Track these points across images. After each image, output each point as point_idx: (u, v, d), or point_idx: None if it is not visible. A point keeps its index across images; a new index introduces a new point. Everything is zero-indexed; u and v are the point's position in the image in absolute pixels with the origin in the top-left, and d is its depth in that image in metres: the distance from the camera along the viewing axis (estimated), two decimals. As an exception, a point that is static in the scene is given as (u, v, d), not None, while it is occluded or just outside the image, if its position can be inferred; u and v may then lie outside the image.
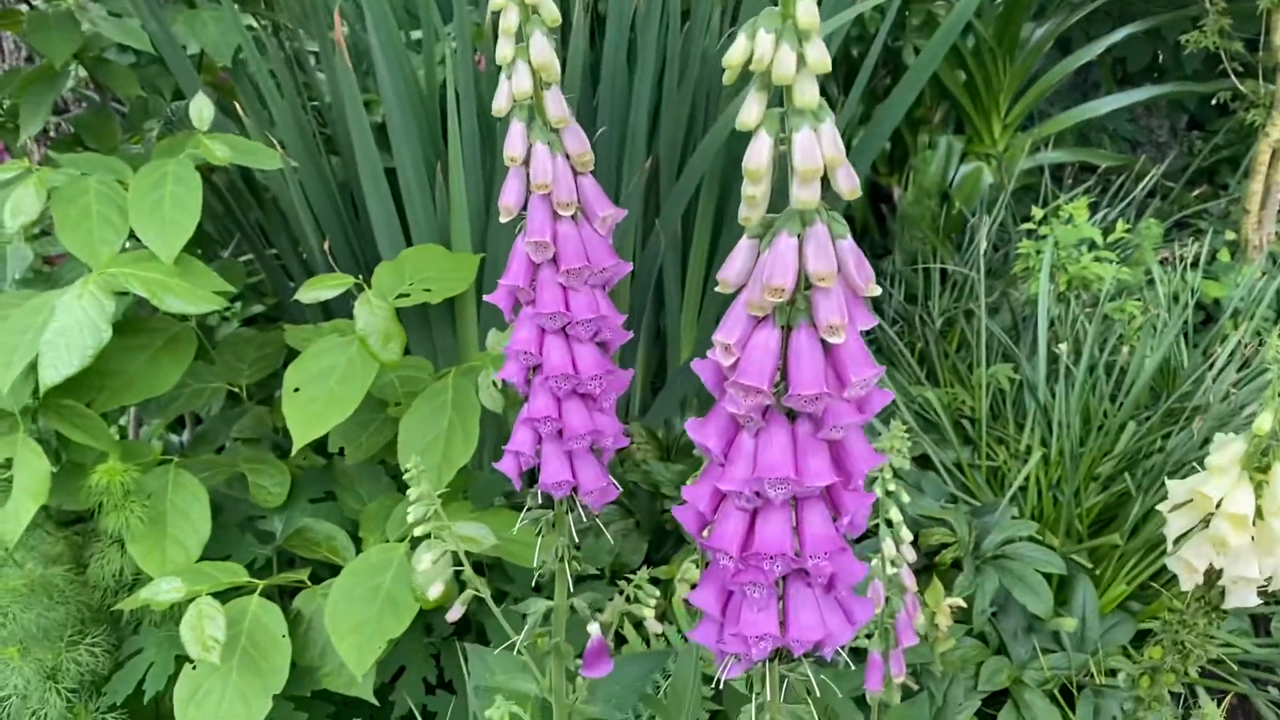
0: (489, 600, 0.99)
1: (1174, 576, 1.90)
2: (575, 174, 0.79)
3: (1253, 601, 1.03)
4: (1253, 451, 0.98)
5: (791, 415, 0.67)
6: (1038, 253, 2.42)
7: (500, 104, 0.76)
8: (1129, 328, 2.33)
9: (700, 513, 0.73)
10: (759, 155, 0.59)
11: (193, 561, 1.50)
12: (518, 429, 0.87)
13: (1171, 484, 1.05)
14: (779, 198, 0.60)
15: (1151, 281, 2.44)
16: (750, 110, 0.58)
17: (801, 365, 0.63)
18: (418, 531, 0.93)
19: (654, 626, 1.02)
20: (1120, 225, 2.49)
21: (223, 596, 1.43)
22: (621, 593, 1.14)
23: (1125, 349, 2.08)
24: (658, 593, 1.03)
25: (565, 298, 0.81)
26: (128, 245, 1.50)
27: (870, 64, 1.98)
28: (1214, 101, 3.65)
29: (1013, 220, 2.93)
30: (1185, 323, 2.29)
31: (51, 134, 2.65)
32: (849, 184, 0.59)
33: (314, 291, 1.49)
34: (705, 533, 0.73)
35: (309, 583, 1.55)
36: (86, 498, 1.47)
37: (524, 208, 0.80)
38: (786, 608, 0.71)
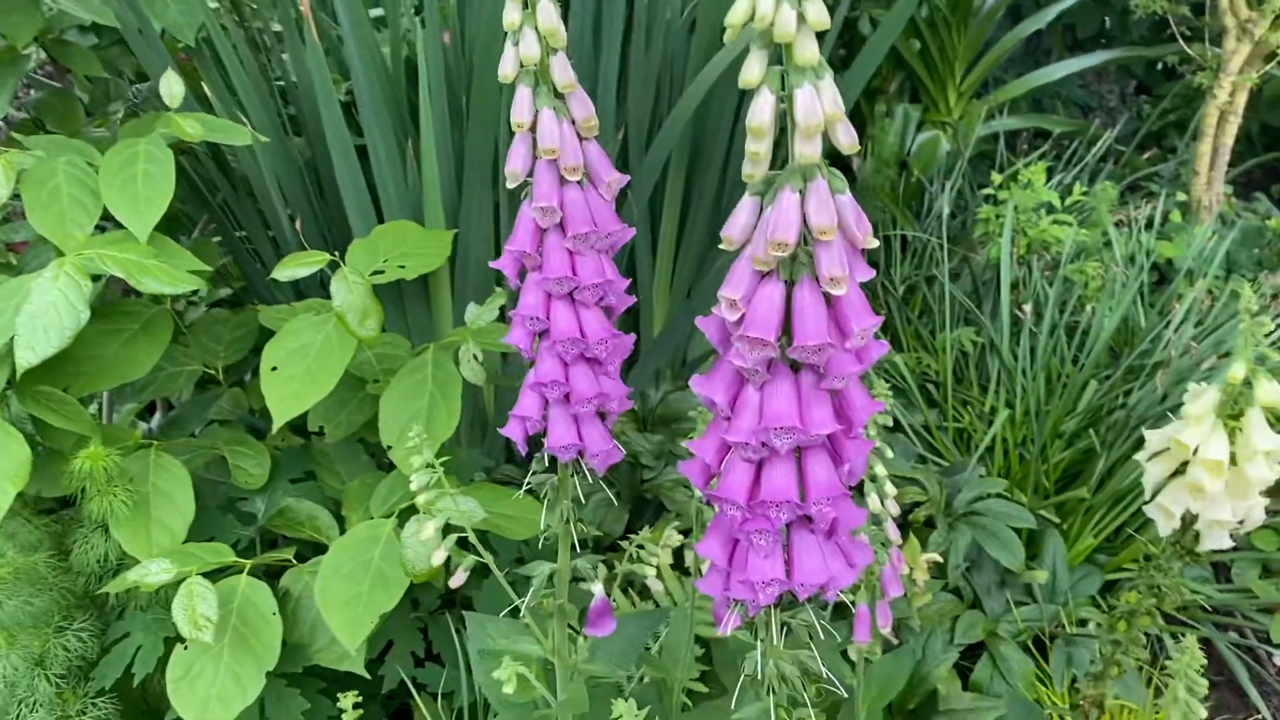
0: (493, 566, 1.00)
1: (1141, 527, 1.96)
2: (580, 139, 0.81)
3: (1226, 544, 1.08)
4: (1226, 400, 1.02)
5: (795, 367, 0.69)
6: (997, 217, 2.46)
7: (506, 70, 0.78)
8: (1088, 289, 2.39)
9: (706, 466, 0.75)
10: (762, 112, 0.61)
11: (178, 544, 1.50)
12: (524, 394, 0.88)
13: (1149, 433, 1.09)
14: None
15: (1109, 243, 2.50)
16: (752, 68, 0.60)
17: (805, 317, 0.65)
18: (420, 500, 0.94)
19: (655, 585, 1.04)
20: (1078, 188, 2.53)
21: (210, 577, 1.43)
22: (604, 561, 1.17)
23: (1088, 308, 2.12)
24: (659, 553, 1.05)
25: (572, 262, 0.82)
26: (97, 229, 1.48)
27: (830, 37, 2.01)
28: (1159, 66, 3.73)
29: (970, 187, 2.98)
30: (1141, 283, 2.35)
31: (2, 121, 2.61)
32: (849, 139, 0.62)
33: (290, 269, 1.49)
34: (711, 485, 0.75)
35: (294, 562, 1.55)
36: (69, 483, 1.46)
37: (530, 173, 0.81)
38: (790, 554, 0.74)
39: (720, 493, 0.72)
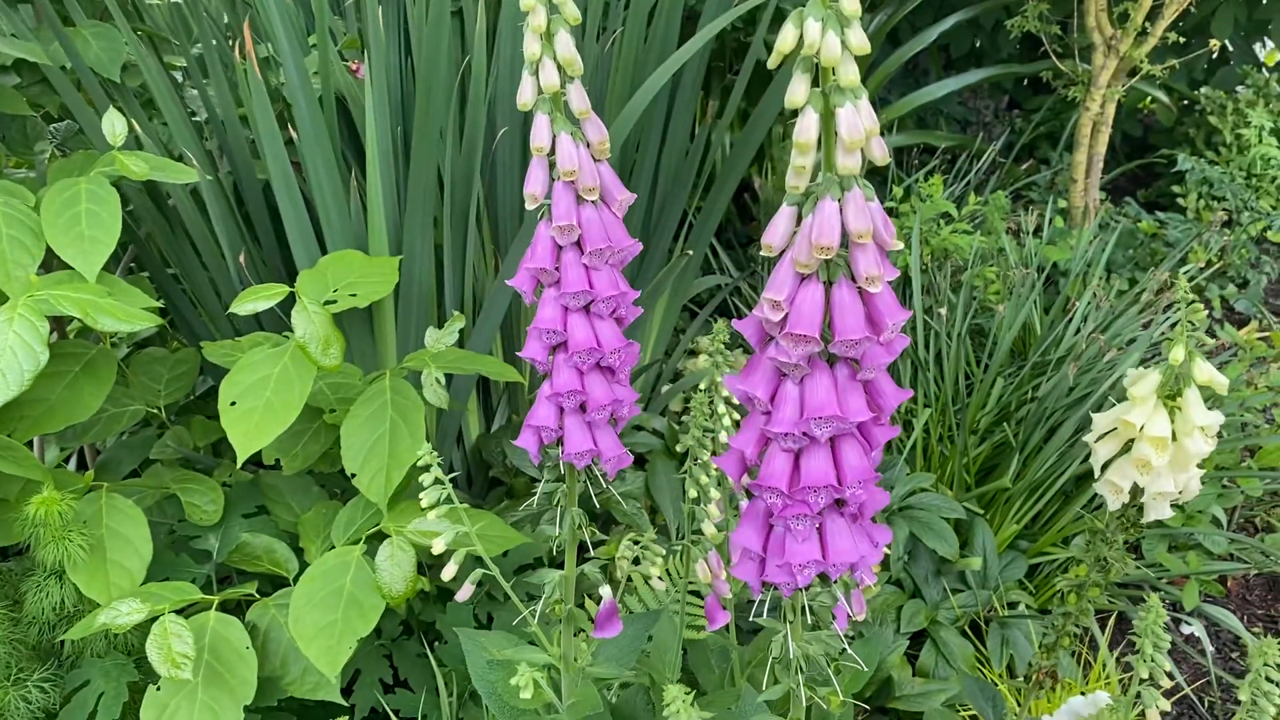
0: (499, 576, 1.03)
1: (1058, 512, 2.09)
2: (595, 160, 0.85)
3: (1168, 514, 1.18)
4: (1166, 380, 1.12)
5: (830, 361, 0.75)
6: (901, 229, 2.59)
7: (525, 98, 0.82)
8: (986, 292, 2.53)
9: (743, 458, 0.80)
10: (809, 129, 0.67)
11: (137, 585, 1.48)
12: (539, 405, 0.92)
13: (1096, 416, 1.18)
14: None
15: (1003, 249, 2.65)
16: (797, 90, 0.66)
17: (845, 314, 0.71)
18: (433, 516, 0.97)
19: (659, 584, 1.08)
20: (973, 199, 2.68)
21: (178, 615, 1.41)
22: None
23: (1000, 308, 2.25)
24: (664, 551, 1.09)
25: (589, 277, 0.87)
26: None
27: (746, 74, 2.12)
28: (1025, 82, 3.96)
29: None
30: (1033, 286, 2.50)
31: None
32: (881, 151, 0.68)
33: (249, 303, 1.49)
34: (747, 477, 0.81)
35: (258, 596, 1.55)
36: (20, 530, 1.43)
37: (548, 195, 0.86)
38: (823, 537, 0.79)
39: (763, 481, 0.77)
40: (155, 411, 1.75)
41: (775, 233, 0.72)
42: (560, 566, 1.05)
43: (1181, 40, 2.94)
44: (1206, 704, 1.98)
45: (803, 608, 0.84)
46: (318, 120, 1.67)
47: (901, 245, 0.70)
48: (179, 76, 2.17)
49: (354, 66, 2.16)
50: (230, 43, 2.12)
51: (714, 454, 1.12)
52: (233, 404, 1.48)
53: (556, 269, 0.87)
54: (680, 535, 1.93)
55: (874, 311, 0.73)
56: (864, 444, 0.78)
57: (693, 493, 1.08)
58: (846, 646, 0.85)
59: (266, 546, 1.64)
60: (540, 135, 0.83)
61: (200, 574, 1.65)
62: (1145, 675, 1.05)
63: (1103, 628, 2.03)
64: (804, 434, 0.75)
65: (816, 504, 0.76)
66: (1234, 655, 2.12)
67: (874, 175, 3.34)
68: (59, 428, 1.55)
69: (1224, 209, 3.12)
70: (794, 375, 0.75)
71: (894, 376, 2.45)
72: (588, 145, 0.85)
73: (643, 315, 2.16)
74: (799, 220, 0.71)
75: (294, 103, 1.64)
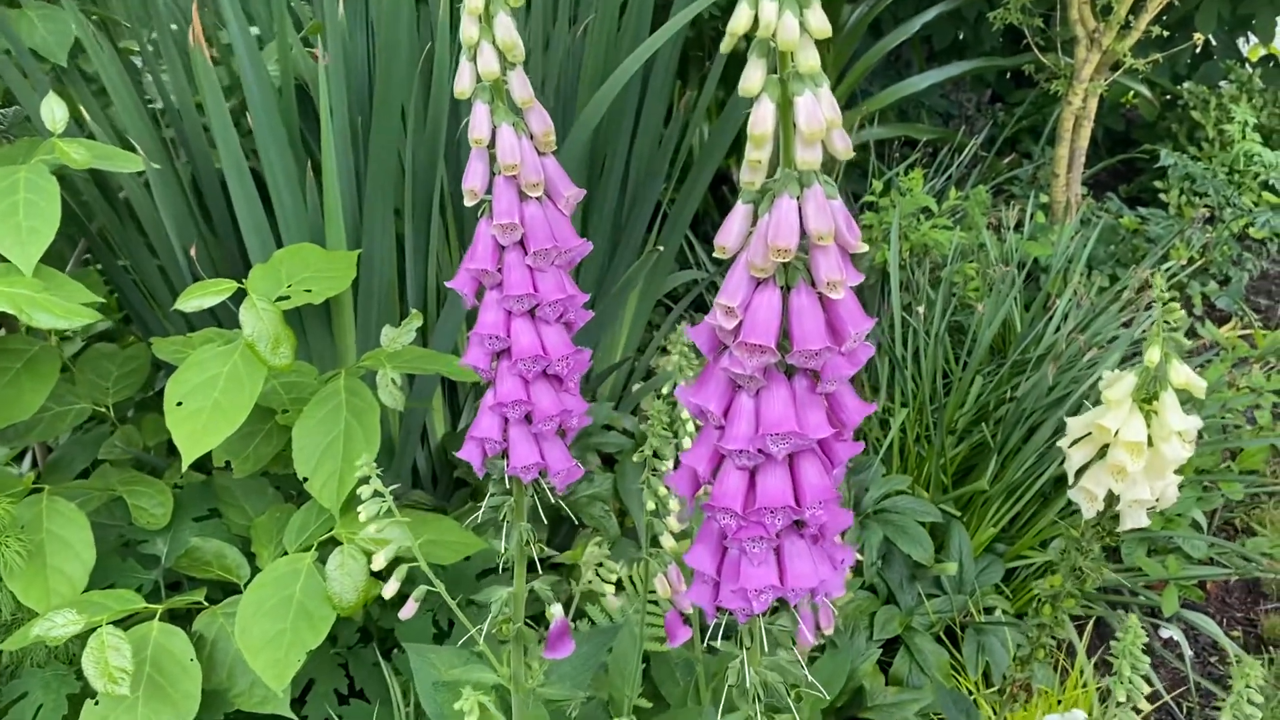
0: (445, 595, 0.98)
1: (1036, 514, 2.05)
2: (539, 154, 0.79)
3: (1144, 522, 1.13)
4: (1142, 384, 1.07)
5: (789, 373, 0.70)
6: (880, 224, 2.54)
7: (463, 85, 0.76)
8: (966, 288, 2.48)
9: (695, 475, 0.74)
10: (765, 120, 0.61)
11: (78, 592, 1.42)
12: (483, 415, 0.86)
13: (1070, 420, 1.13)
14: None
15: (983, 245, 2.60)
16: (752, 76, 0.60)
17: (804, 322, 0.66)
18: (371, 530, 0.91)
19: (613, 603, 1.03)
20: (953, 193, 2.63)
21: (119, 625, 1.35)
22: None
23: (980, 305, 2.21)
24: (619, 570, 1.04)
25: (533, 279, 0.81)
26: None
27: (721, 61, 2.06)
28: (1007, 75, 3.92)
29: (848, 195, 3.06)
30: (1013, 282, 2.46)
31: None
32: (844, 144, 0.63)
33: (195, 299, 1.42)
34: (700, 495, 0.75)
35: (206, 604, 1.48)
36: (-46, 536, 1.36)
37: (488, 190, 0.80)
38: (781, 560, 0.74)
39: (715, 501, 0.71)
40: (103, 410, 1.68)
41: (729, 233, 0.66)
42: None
43: (1165, 34, 2.90)
44: (1185, 710, 1.95)
45: (760, 632, 0.79)
46: (272, 108, 1.60)
47: (866, 248, 0.64)
48: (138, 63, 2.10)
49: (317, 53, 2.09)
50: (189, 27, 2.05)
51: (676, 464, 1.06)
52: (179, 404, 1.42)
53: (499, 270, 0.81)
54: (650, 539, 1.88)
55: (835, 319, 0.67)
56: (825, 461, 0.72)
57: (650, 504, 1.03)
58: (808, 674, 0.80)
59: (217, 551, 1.58)
60: (479, 126, 0.77)
61: (148, 580, 1.58)
62: (1123, 699, 1.00)
63: (1080, 633, 1.99)
64: (760, 451, 0.69)
65: (774, 526, 0.71)
66: (1213, 660, 2.09)
67: (854, 167, 3.29)
68: (-2, 427, 1.49)
69: (1206, 205, 3.08)
70: (749, 388, 0.69)
71: (870, 375, 2.41)
72: (531, 137, 0.79)
73: (614, 312, 2.10)
74: (755, 219, 0.66)
75: (247, 91, 1.58)
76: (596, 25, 1.84)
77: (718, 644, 0.81)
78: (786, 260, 0.64)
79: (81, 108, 1.70)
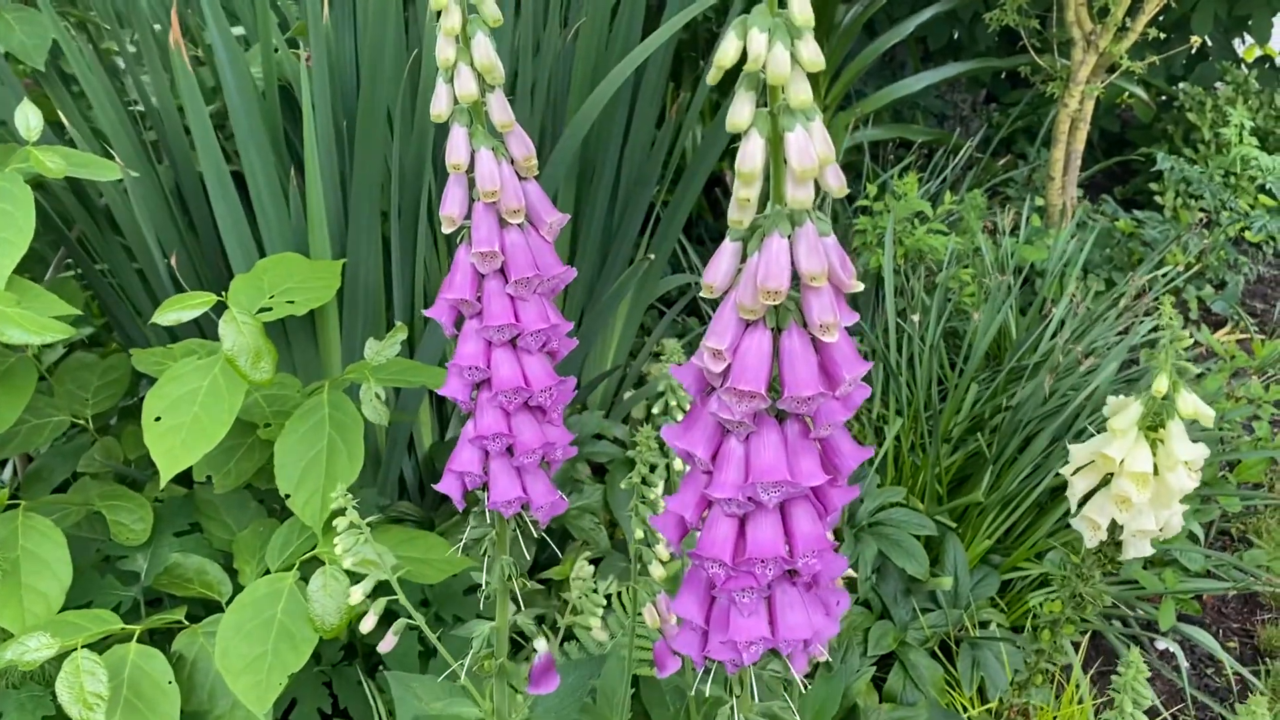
0: (426, 629, 0.95)
1: (1031, 525, 2.02)
2: (520, 179, 0.76)
3: (1148, 551, 1.10)
4: (1148, 412, 1.04)
5: (780, 416, 0.66)
6: (875, 228, 2.50)
7: (440, 108, 0.72)
8: (961, 294, 2.45)
9: (682, 521, 0.71)
10: (753, 156, 0.58)
11: (54, 611, 1.39)
12: (462, 448, 0.83)
13: (1073, 448, 1.11)
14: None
15: (978, 250, 2.57)
16: (741, 110, 0.57)
17: (796, 366, 0.62)
18: (347, 563, 0.88)
19: (600, 635, 1.00)
20: (948, 197, 2.60)
21: (95, 647, 1.32)
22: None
23: (976, 312, 2.18)
24: (604, 601, 1.01)
25: (514, 308, 0.77)
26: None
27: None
28: (1003, 76, 3.89)
29: (842, 199, 3.03)
30: (1009, 288, 2.43)
31: None
32: (837, 181, 0.59)
33: (173, 312, 1.39)
34: (687, 542, 0.72)
35: (186, 623, 1.45)
36: (-74, 555, 1.33)
37: (467, 216, 0.76)
38: (773, 609, 0.71)
39: (702, 551, 0.68)
40: (82, 422, 1.64)
41: (717, 271, 0.63)
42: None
43: (1161, 36, 2.87)
44: (1181, 725, 1.93)
45: (751, 681, 0.76)
46: (253, 112, 1.56)
47: (860, 286, 0.61)
48: (121, 65, 2.05)
49: (305, 55, 2.05)
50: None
51: (667, 487, 1.03)
52: (158, 419, 1.38)
53: (478, 299, 0.78)
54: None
55: (829, 363, 0.64)
56: (818, 508, 0.69)
57: (639, 532, 1.00)
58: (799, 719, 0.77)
59: (198, 568, 1.54)
60: (457, 151, 0.73)
61: (127, 597, 1.55)
62: (1124, 734, 0.97)
63: (1076, 648, 1.97)
64: (750, 499, 0.66)
65: (765, 576, 0.68)
66: (1209, 672, 2.07)
67: (847, 170, 3.26)
68: (-28, 441, 1.45)
69: (1202, 209, 3.06)
70: (739, 433, 0.66)
71: (863, 389, 2.38)
72: (511, 162, 0.75)
73: (605, 318, 2.06)
74: (744, 257, 0.63)
75: (227, 94, 1.54)
76: (587, 29, 1.81)
77: (706, 689, 0.78)
78: (777, 302, 0.61)
79: (60, 112, 1.67)
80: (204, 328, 1.79)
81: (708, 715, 1.29)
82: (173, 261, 1.64)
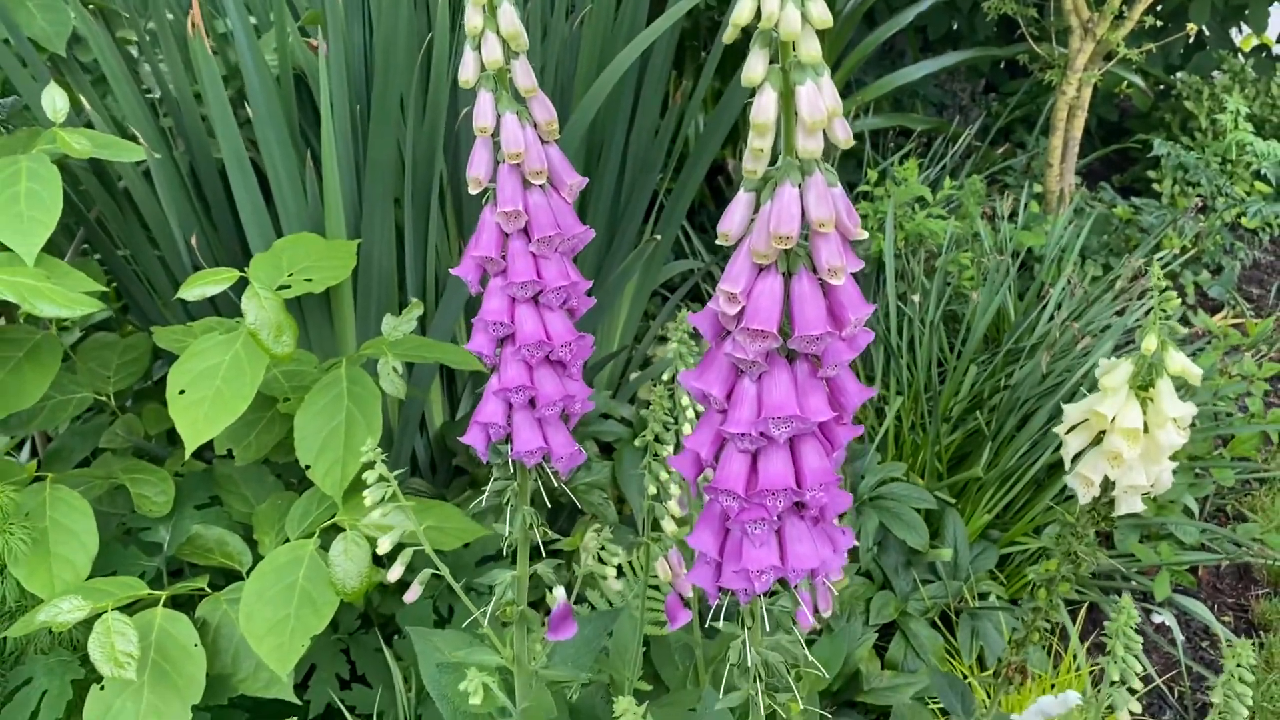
0: (450, 578, 0.99)
1: (1030, 501, 2.07)
2: (542, 142, 0.81)
3: (1139, 507, 1.14)
4: (1138, 371, 1.08)
5: (790, 357, 0.71)
6: (876, 213, 2.55)
7: (467, 75, 0.77)
8: (960, 278, 2.50)
9: (698, 459, 0.76)
10: (767, 109, 0.62)
11: (82, 579, 1.43)
12: (487, 400, 0.87)
13: (1067, 408, 1.15)
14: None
15: (977, 235, 2.62)
16: (755, 66, 0.62)
17: (806, 308, 0.67)
18: (377, 515, 0.92)
19: (614, 586, 1.04)
20: (948, 183, 2.65)
21: (123, 611, 1.36)
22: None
23: (975, 294, 2.22)
24: (619, 552, 1.05)
25: (537, 266, 0.82)
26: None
27: (718, 52, 2.07)
28: (1001, 65, 3.93)
29: (843, 185, 3.07)
30: (1007, 272, 2.47)
31: None
32: (845, 133, 0.64)
33: (198, 288, 1.43)
34: (703, 478, 0.77)
35: (208, 590, 1.50)
36: (-41, 523, 1.37)
37: (492, 179, 0.81)
38: (782, 541, 0.75)
39: (718, 484, 0.73)
40: (104, 399, 1.69)
41: (732, 220, 0.68)
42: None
43: (1158, 24, 2.92)
44: (1176, 694, 1.97)
45: (762, 613, 0.80)
46: (271, 97, 1.61)
47: (865, 235, 0.66)
48: (134, 52, 2.10)
49: (315, 43, 2.09)
50: (187, 16, 2.05)
51: (676, 449, 1.08)
52: (181, 393, 1.42)
53: (503, 258, 0.82)
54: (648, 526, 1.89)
55: (836, 305, 0.69)
56: (825, 444, 0.74)
57: (652, 489, 1.04)
58: (808, 653, 0.82)
59: (219, 539, 1.59)
60: (484, 115, 0.78)
61: (150, 567, 1.60)
62: (1116, 678, 1.02)
63: (1074, 618, 2.01)
64: (762, 434, 0.71)
65: (775, 508, 0.72)
66: (1204, 645, 2.11)
67: (849, 157, 3.30)
68: (1, 415, 1.49)
69: (1198, 195, 3.10)
70: (751, 372, 0.70)
71: (866, 364, 2.43)
72: (535, 126, 0.80)
73: (611, 301, 2.11)
74: (757, 207, 0.67)
75: (247, 79, 1.58)
76: (593, 15, 1.85)
77: (719, 624, 0.82)
78: (788, 247, 0.65)
79: (82, 97, 1.71)
80: (219, 307, 1.84)
81: (715, 673, 1.33)
82: (193, 241, 1.69)
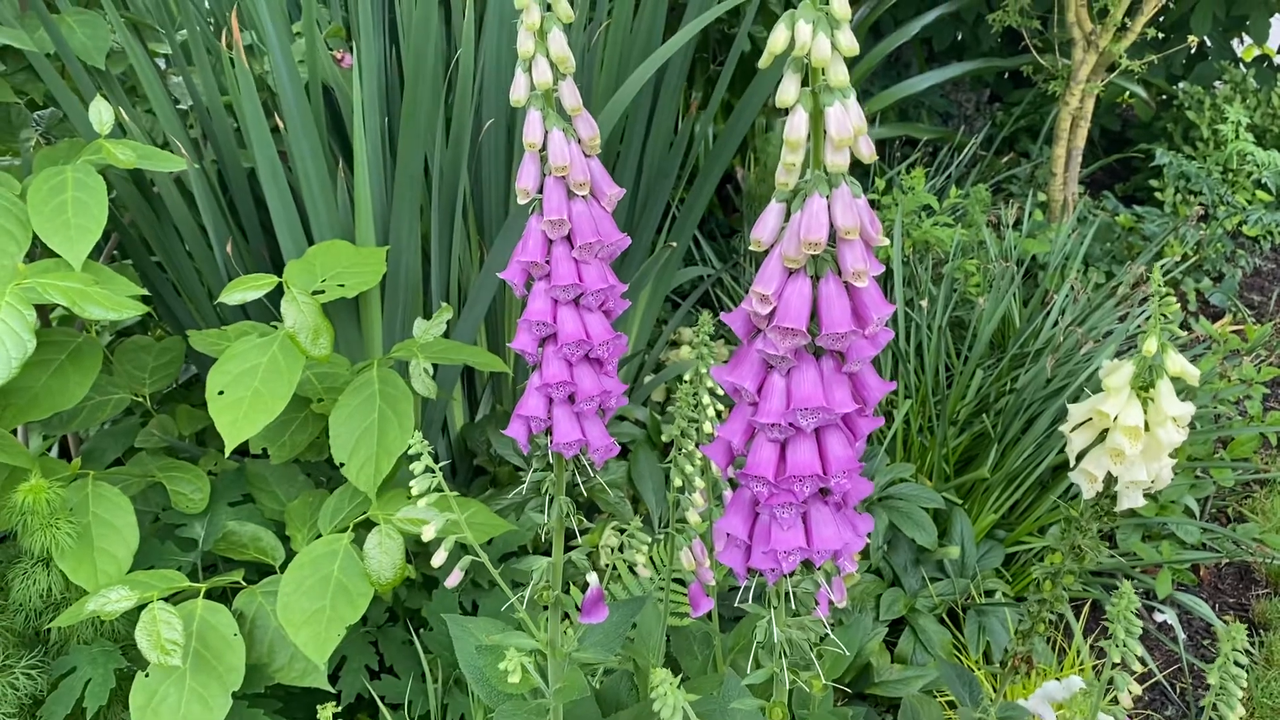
0: (488, 563, 1.05)
1: (1034, 502, 2.12)
2: (585, 156, 0.87)
3: (1140, 503, 1.20)
4: (1140, 372, 1.14)
5: (816, 354, 0.77)
6: (884, 221, 2.61)
7: (518, 94, 0.83)
8: (966, 284, 2.56)
9: (730, 447, 0.82)
10: (798, 128, 0.68)
11: (123, 573, 1.49)
12: (529, 395, 0.93)
13: (1071, 407, 1.20)
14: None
15: (983, 242, 2.68)
16: (789, 89, 0.68)
17: (833, 308, 0.73)
18: (422, 504, 0.99)
19: (644, 572, 1.10)
20: (954, 191, 2.71)
21: (166, 602, 1.42)
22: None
23: (981, 300, 2.28)
24: (648, 539, 1.11)
25: (578, 270, 0.88)
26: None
27: (731, 67, 2.14)
28: (1006, 76, 3.99)
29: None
30: (1012, 279, 2.54)
31: None
32: (869, 150, 0.70)
33: (239, 293, 1.50)
34: (733, 467, 0.83)
35: (244, 583, 1.56)
36: (8, 518, 1.43)
37: (539, 189, 0.87)
38: (807, 525, 0.81)
39: (749, 470, 0.79)
40: (140, 400, 1.75)
41: (765, 228, 0.74)
42: (547, 553, 1.07)
43: (1160, 36, 2.97)
44: (1179, 690, 2.02)
45: (786, 594, 0.86)
46: (305, 109, 1.67)
47: (886, 240, 0.72)
48: (162, 64, 2.17)
49: (338, 56, 2.16)
50: (214, 30, 2.12)
51: (698, 444, 1.14)
52: (220, 393, 1.49)
53: (547, 262, 0.88)
54: (662, 524, 1.96)
55: (860, 306, 0.75)
56: (848, 434, 0.80)
57: (678, 481, 1.10)
58: (829, 632, 0.88)
59: (253, 535, 1.65)
60: (533, 131, 0.84)
61: (186, 562, 1.65)
62: (1117, 660, 1.08)
63: (1077, 615, 2.07)
64: (790, 425, 0.77)
65: (802, 493, 0.78)
66: (1205, 643, 2.16)
67: (856, 167, 3.37)
68: (45, 415, 1.55)
69: (1200, 203, 3.16)
70: (781, 368, 0.76)
71: (875, 369, 2.49)
72: (579, 141, 0.86)
73: (627, 307, 2.17)
74: (787, 216, 0.73)
75: (280, 92, 1.65)
76: (611, 30, 1.92)
77: (746, 606, 0.88)
78: (817, 253, 0.72)
79: (118, 109, 1.77)
80: (250, 313, 1.90)
81: (734, 663, 1.39)
82: (229, 249, 1.75)
